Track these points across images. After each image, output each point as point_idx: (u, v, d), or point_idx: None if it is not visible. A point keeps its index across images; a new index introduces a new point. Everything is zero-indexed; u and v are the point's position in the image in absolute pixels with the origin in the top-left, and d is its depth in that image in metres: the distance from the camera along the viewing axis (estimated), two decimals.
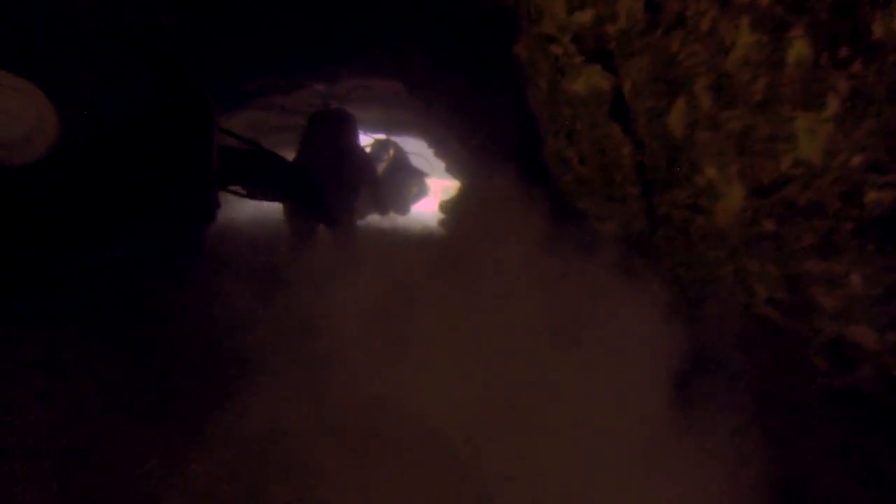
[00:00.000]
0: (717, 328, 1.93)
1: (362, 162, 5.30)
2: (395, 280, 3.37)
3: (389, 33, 4.59)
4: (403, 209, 7.43)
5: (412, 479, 1.99)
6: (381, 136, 7.83)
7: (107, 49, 2.18)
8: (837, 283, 1.55)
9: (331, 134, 4.94)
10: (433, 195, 8.30)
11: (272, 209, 5.36)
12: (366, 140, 7.14)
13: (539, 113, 2.78)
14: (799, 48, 1.45)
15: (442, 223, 5.57)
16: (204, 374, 2.41)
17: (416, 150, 8.47)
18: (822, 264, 1.57)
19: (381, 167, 7.11)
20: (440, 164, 8.58)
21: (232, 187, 3.25)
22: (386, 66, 5.19)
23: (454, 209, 5.74)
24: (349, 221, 5.08)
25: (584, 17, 1.97)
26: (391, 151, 7.62)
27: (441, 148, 7.82)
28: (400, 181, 7.36)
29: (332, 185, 4.69)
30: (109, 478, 1.86)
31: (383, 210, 6.36)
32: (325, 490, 1.94)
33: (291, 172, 3.79)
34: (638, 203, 2.09)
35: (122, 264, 2.36)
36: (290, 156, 4.84)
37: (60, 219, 2.00)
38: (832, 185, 1.48)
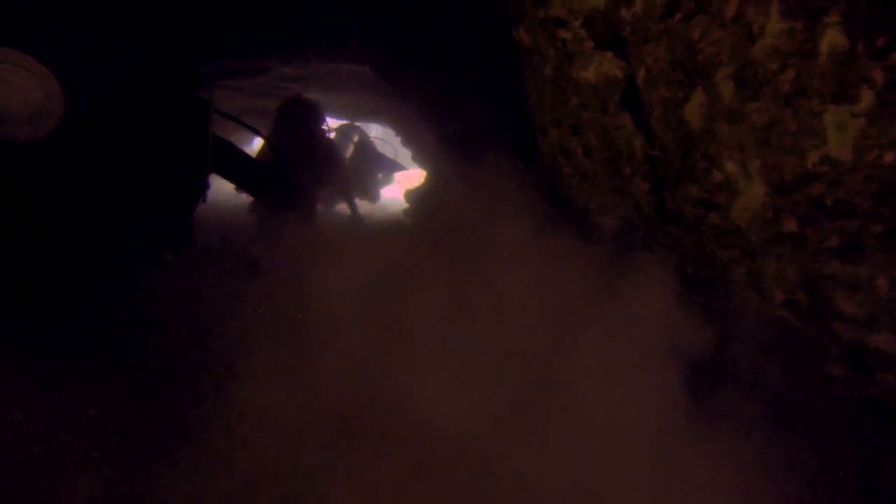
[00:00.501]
0: (728, 330, 1.85)
1: (331, 153, 5.38)
2: (384, 268, 3.28)
3: (357, 14, 4.48)
4: (373, 196, 7.42)
5: (411, 476, 1.91)
6: (346, 122, 7.80)
7: (105, 28, 2.23)
8: (862, 288, 1.48)
9: (299, 125, 5.00)
10: (398, 183, 8.28)
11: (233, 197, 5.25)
12: (331, 125, 7.17)
13: (537, 101, 2.67)
14: (833, 36, 1.36)
15: (410, 212, 5.54)
16: (194, 366, 2.30)
17: (383, 137, 8.43)
18: (847, 267, 1.49)
19: (346, 154, 7.10)
20: (407, 153, 8.51)
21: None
22: (355, 50, 5.09)
23: (422, 197, 5.68)
24: (315, 211, 5.14)
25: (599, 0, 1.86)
26: (356, 137, 7.59)
27: (410, 135, 7.72)
28: (367, 168, 7.35)
29: (301, 177, 4.71)
30: (106, 481, 1.76)
31: (352, 198, 6.41)
32: (317, 483, 1.86)
33: (268, 169, 3.77)
34: (647, 198, 2.00)
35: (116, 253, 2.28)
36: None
37: (60, 198, 2.02)
38: (862, 183, 1.39)
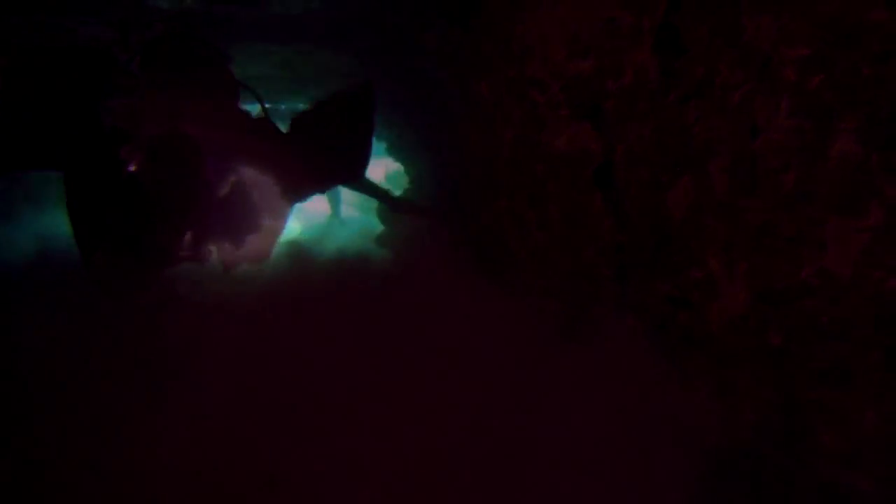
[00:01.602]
0: (686, 441, 1.65)
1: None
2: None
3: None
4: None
5: None
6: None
7: None
8: (848, 420, 1.33)
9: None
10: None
11: None
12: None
13: (486, 164, 2.48)
14: (845, 143, 1.26)
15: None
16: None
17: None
18: (834, 394, 1.34)
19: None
20: None
21: None
22: None
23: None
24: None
25: (585, 65, 1.72)
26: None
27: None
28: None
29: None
30: None
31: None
32: None
33: None
34: (608, 286, 1.82)
35: None
36: None
37: None
38: (863, 304, 1.27)
